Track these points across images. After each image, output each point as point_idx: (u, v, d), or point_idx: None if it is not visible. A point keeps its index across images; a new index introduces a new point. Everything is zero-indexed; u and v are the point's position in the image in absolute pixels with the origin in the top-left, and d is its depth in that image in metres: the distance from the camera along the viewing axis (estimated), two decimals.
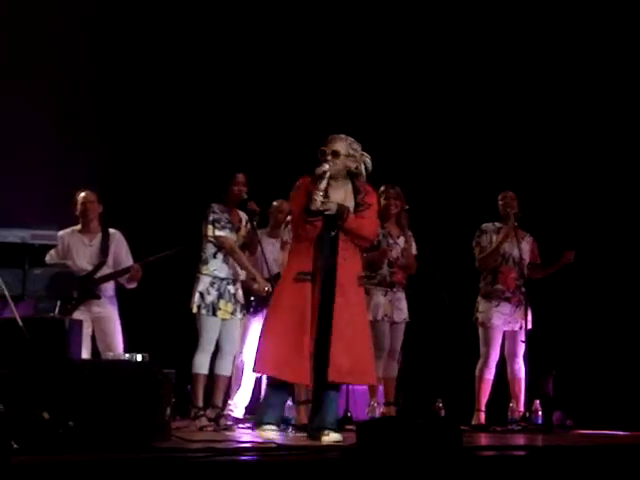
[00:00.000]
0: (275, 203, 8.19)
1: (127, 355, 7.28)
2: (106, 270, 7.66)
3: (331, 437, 6.08)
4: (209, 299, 7.52)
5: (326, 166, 6.06)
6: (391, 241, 8.08)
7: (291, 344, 6.04)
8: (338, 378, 6.08)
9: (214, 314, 7.53)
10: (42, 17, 9.25)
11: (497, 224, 8.41)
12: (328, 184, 6.07)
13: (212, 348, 7.59)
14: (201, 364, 7.54)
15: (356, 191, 6.21)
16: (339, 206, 6.08)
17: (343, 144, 6.14)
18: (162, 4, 9.91)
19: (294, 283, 6.10)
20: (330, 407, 6.16)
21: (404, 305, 8.13)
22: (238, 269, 7.68)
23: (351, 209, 6.15)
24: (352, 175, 6.19)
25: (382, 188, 8.04)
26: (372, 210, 6.26)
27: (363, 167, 6.24)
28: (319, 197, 5.98)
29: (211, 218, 7.58)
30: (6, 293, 6.09)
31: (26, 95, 9.05)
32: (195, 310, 7.53)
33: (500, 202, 8.40)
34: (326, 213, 6.05)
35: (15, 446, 4.72)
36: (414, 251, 8.24)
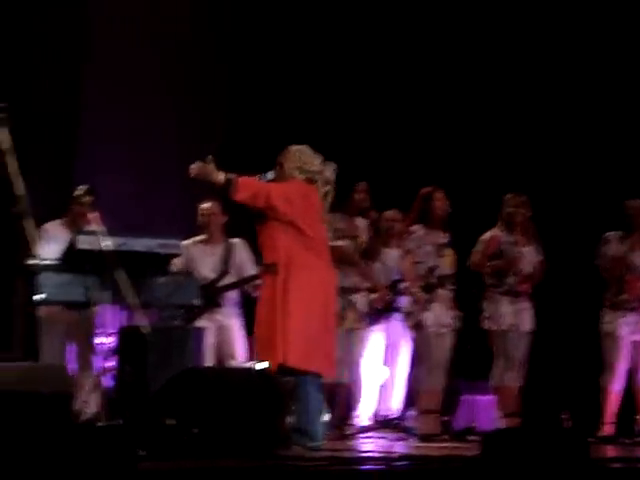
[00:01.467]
0: (389, 213, 8.16)
1: (249, 363, 7.37)
2: (229, 279, 7.73)
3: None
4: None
5: (269, 175, 6.21)
6: (517, 250, 7.97)
7: None
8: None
9: (340, 324, 7.55)
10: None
11: (620, 233, 8.24)
12: None
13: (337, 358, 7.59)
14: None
15: None
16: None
17: (291, 158, 6.21)
18: None
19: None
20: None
21: (530, 315, 8.01)
22: (358, 279, 7.69)
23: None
24: None
25: (508, 196, 7.94)
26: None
27: (320, 178, 6.23)
28: None
29: (329, 228, 7.61)
30: (134, 301, 6.19)
31: (151, 105, 9.22)
32: None
33: (628, 212, 8.22)
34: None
35: (142, 453, 4.78)
36: (538, 259, 8.11)
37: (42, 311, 6.95)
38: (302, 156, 6.23)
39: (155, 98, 9.29)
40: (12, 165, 5.48)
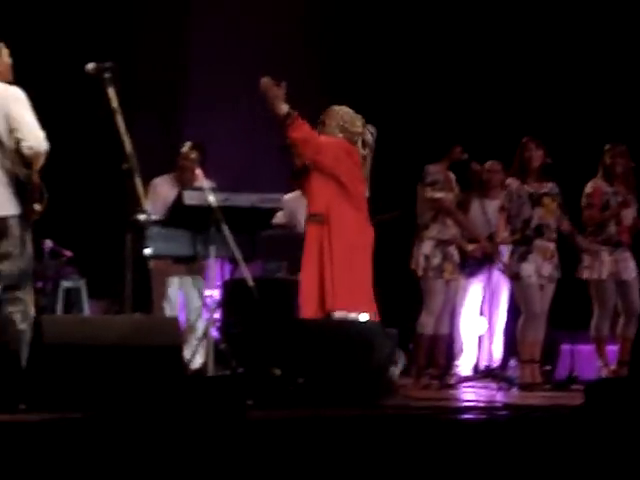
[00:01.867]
0: (489, 164, 8.17)
1: (353, 315, 7.46)
2: None
3: None
4: (434, 262, 7.62)
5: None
6: (619, 200, 7.90)
7: None
8: None
9: (440, 276, 7.63)
10: None
11: None
12: None
13: (438, 309, 7.68)
14: (426, 324, 7.64)
15: None
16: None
17: (334, 116, 6.26)
18: None
19: None
20: None
21: (632, 264, 7.95)
22: (456, 230, 7.74)
23: None
24: None
25: (607, 146, 7.88)
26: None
27: (360, 140, 6.27)
28: None
29: (429, 180, 7.66)
30: (238, 255, 6.33)
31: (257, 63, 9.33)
32: (421, 273, 7.63)
33: None
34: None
35: (249, 402, 4.91)
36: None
37: (153, 265, 7.15)
38: (344, 116, 6.30)
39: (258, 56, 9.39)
40: (120, 123, 5.62)
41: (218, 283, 7.05)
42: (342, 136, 6.26)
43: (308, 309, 6.12)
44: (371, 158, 6.38)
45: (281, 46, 9.64)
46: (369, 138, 6.34)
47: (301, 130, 6.08)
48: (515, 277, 7.64)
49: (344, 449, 4.34)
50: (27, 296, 5.46)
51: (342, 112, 6.30)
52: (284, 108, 6.06)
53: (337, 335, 5.83)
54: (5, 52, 5.57)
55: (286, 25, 9.73)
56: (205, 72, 9.42)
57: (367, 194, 6.41)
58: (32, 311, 5.45)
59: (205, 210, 6.40)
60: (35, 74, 7.71)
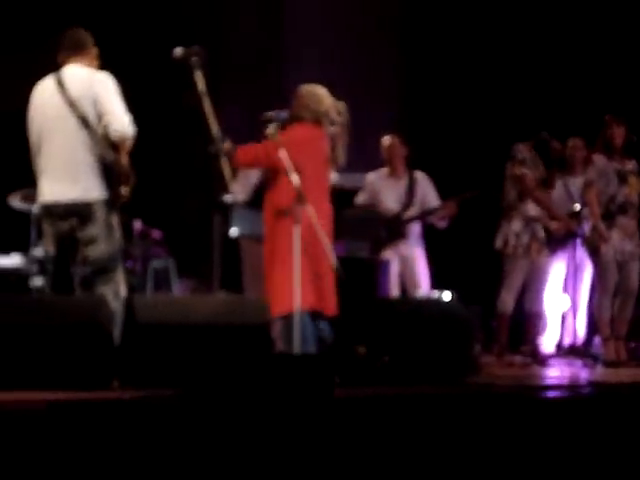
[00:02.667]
0: (572, 141, 8.13)
1: (434, 293, 7.51)
2: (413, 211, 7.86)
3: None
4: (524, 240, 7.62)
5: (282, 114, 6.12)
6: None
7: None
8: None
9: (527, 254, 7.62)
10: None
11: None
12: None
13: (518, 287, 7.68)
14: (507, 302, 7.65)
15: None
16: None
17: (301, 96, 6.17)
18: None
19: None
20: None
21: None
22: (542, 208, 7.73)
23: None
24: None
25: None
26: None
27: (327, 119, 6.15)
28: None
29: (518, 157, 7.66)
30: (321, 234, 6.37)
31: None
32: (511, 251, 7.63)
33: None
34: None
35: (337, 380, 4.97)
36: None
37: (242, 245, 7.26)
38: (310, 96, 6.19)
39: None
40: (207, 106, 5.71)
41: None
42: (309, 116, 6.15)
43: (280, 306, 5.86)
44: (345, 135, 6.26)
45: (375, 44, 9.67)
46: (336, 117, 6.23)
47: (244, 156, 6.02)
48: (594, 252, 7.62)
49: (429, 427, 4.39)
50: (118, 276, 5.58)
51: (308, 91, 6.21)
52: (226, 146, 5.89)
53: (421, 313, 5.88)
54: (90, 39, 5.68)
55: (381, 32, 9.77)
56: (296, 57, 9.49)
57: (335, 177, 6.31)
58: (124, 291, 5.59)
59: None
60: (122, 58, 7.85)
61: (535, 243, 7.69)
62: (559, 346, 7.96)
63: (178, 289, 8.09)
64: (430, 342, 5.67)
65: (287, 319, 5.74)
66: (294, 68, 9.41)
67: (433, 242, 8.06)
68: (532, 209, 7.70)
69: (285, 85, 9.43)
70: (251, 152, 6.07)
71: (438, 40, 9.73)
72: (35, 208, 6.68)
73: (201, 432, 4.08)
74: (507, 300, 7.68)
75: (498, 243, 7.74)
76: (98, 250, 5.51)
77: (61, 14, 7.99)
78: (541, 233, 7.78)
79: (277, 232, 5.98)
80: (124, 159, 5.50)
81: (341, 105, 6.26)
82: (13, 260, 7.66)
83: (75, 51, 5.61)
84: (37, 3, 8.76)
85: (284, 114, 6.19)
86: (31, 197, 6.75)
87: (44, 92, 5.59)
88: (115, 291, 5.50)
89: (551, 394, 5.31)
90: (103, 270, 5.53)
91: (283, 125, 6.11)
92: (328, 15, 9.64)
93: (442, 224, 7.88)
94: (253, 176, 7.15)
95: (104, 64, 5.72)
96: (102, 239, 5.52)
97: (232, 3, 9.41)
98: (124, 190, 5.54)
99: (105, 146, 5.48)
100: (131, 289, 6.36)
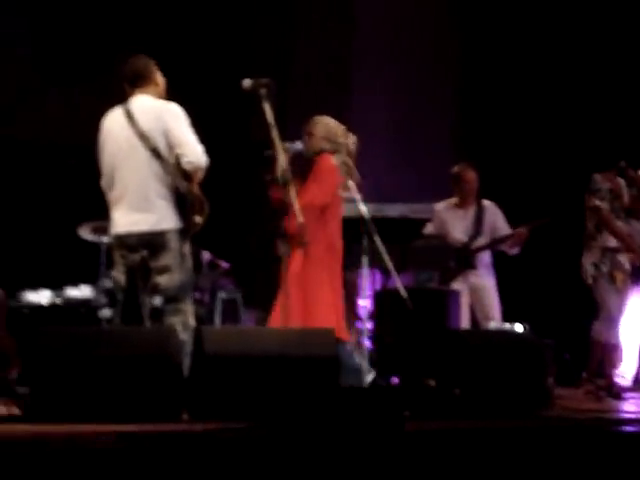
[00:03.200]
0: None
1: (507, 324, 7.41)
2: (482, 241, 7.79)
3: None
4: (603, 269, 7.50)
5: (297, 145, 6.18)
6: None
7: None
8: None
9: (611, 284, 7.50)
10: None
11: None
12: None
13: (612, 316, 7.53)
14: (600, 332, 7.50)
15: None
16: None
17: (319, 127, 6.30)
18: None
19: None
20: None
21: None
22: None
23: None
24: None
25: None
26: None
27: (344, 149, 6.30)
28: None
29: (593, 188, 7.55)
30: (390, 265, 6.35)
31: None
32: (590, 281, 7.52)
33: None
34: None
35: (407, 414, 4.91)
36: None
37: None
38: (329, 127, 6.34)
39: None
40: (276, 137, 5.72)
41: (370, 293, 7.09)
42: (328, 147, 6.29)
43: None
44: (352, 167, 6.42)
45: (437, 75, 9.66)
46: (353, 147, 6.41)
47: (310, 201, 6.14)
48: None
49: (501, 461, 4.32)
50: (187, 307, 5.59)
51: (326, 123, 6.37)
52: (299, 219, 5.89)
53: (493, 344, 5.80)
54: (155, 68, 5.70)
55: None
56: (364, 91, 9.49)
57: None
58: (192, 322, 5.58)
59: (357, 221, 6.46)
60: (191, 88, 7.92)
61: (619, 273, 7.56)
62: (636, 379, 7.80)
63: (246, 320, 8.09)
64: (502, 374, 5.58)
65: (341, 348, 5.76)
66: (361, 101, 9.42)
67: (504, 272, 7.97)
68: (611, 240, 7.58)
69: (351, 116, 9.45)
70: (312, 197, 6.17)
71: (507, 64, 9.63)
72: (105, 239, 6.73)
73: (271, 465, 4.05)
74: (599, 329, 7.53)
75: (582, 274, 7.63)
76: (170, 279, 5.53)
77: (127, 43, 8.07)
78: (626, 264, 7.65)
79: (327, 262, 6.15)
80: (197, 188, 5.52)
81: (352, 136, 6.43)
82: (82, 292, 7.72)
83: (141, 80, 5.65)
84: (102, 31, 8.86)
85: (298, 145, 6.25)
86: (101, 228, 6.80)
87: (114, 124, 5.62)
88: (184, 322, 5.51)
89: (627, 428, 5.19)
90: (173, 300, 5.54)
91: (297, 156, 6.22)
92: (395, 49, 9.62)
93: (514, 251, 7.80)
94: None
95: (173, 93, 5.75)
96: (175, 268, 5.53)
97: (302, 36, 9.45)
98: (198, 219, 5.56)
99: (178, 176, 5.50)
100: (199, 320, 6.36)
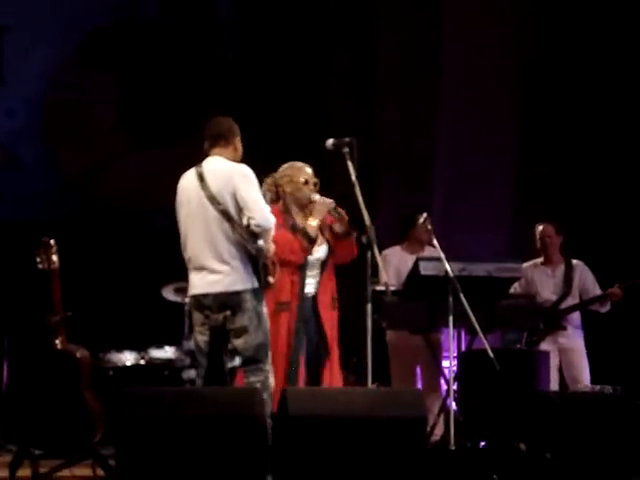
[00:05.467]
0: None
1: (597, 387, 7.23)
2: (571, 301, 7.64)
3: None
4: None
5: (317, 196, 6.07)
6: None
7: None
8: None
9: None
10: None
11: None
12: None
13: None
14: None
15: None
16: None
17: (294, 175, 6.14)
18: None
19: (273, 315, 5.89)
20: None
21: None
22: None
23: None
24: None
25: None
26: None
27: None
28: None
29: None
30: (476, 325, 6.24)
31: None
32: None
33: None
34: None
35: (495, 477, 4.80)
36: None
37: (389, 336, 7.16)
38: (298, 170, 6.13)
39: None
40: (359, 196, 5.70)
41: (456, 354, 6.97)
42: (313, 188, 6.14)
43: None
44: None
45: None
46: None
47: None
48: None
49: None
50: (267, 367, 5.55)
51: (297, 169, 6.14)
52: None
53: (584, 407, 5.65)
54: (235, 128, 5.72)
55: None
56: (449, 150, 9.46)
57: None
58: (272, 382, 5.53)
59: (442, 280, 6.37)
60: (275, 148, 7.95)
61: None
62: None
63: None
64: (595, 438, 5.42)
65: None
66: (443, 158, 9.39)
67: (594, 332, 7.81)
68: None
69: (432, 176, 9.41)
70: None
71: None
72: (187, 300, 6.73)
73: None
74: None
75: None
76: (248, 340, 5.51)
77: (211, 107, 8.15)
78: None
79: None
80: (269, 248, 5.51)
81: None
82: (166, 352, 7.73)
83: (222, 141, 5.67)
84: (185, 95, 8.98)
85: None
86: (183, 289, 6.81)
87: (188, 184, 5.66)
88: (263, 382, 5.47)
89: None
90: (252, 360, 5.52)
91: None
92: (476, 105, 9.57)
93: (605, 309, 7.64)
94: (400, 265, 7.13)
95: (251, 153, 5.76)
96: (252, 329, 5.52)
97: (384, 95, 9.46)
98: (271, 279, 5.57)
99: (249, 236, 5.49)
100: None
